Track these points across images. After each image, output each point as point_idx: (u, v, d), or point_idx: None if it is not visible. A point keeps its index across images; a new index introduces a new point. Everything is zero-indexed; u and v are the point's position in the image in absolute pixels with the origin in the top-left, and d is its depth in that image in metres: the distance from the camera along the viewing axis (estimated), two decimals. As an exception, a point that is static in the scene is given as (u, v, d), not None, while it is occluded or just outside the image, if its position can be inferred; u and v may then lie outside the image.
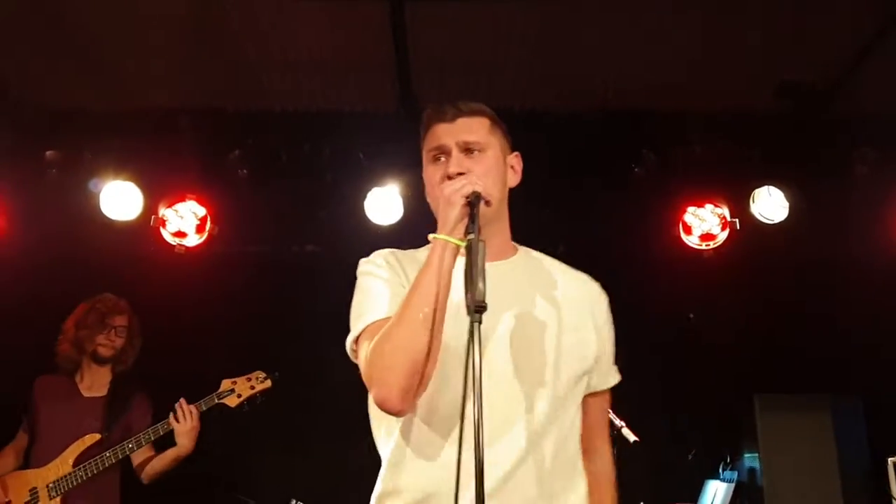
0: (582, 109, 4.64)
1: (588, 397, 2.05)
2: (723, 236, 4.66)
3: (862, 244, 4.68)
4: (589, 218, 4.78)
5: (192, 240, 4.58)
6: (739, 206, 4.66)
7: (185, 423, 3.76)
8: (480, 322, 1.60)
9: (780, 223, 4.61)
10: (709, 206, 4.68)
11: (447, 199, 1.81)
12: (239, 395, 3.91)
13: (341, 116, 4.62)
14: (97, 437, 3.84)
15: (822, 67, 4.33)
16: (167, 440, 3.85)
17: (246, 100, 4.57)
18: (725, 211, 4.67)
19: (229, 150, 4.58)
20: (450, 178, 1.93)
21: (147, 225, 4.53)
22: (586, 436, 2.04)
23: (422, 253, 2.03)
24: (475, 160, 1.98)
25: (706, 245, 4.67)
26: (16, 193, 4.56)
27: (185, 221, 4.58)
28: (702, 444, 4.99)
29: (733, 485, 4.78)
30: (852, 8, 3.86)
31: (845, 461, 4.76)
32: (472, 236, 1.71)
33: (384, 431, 1.97)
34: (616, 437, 3.36)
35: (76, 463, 3.78)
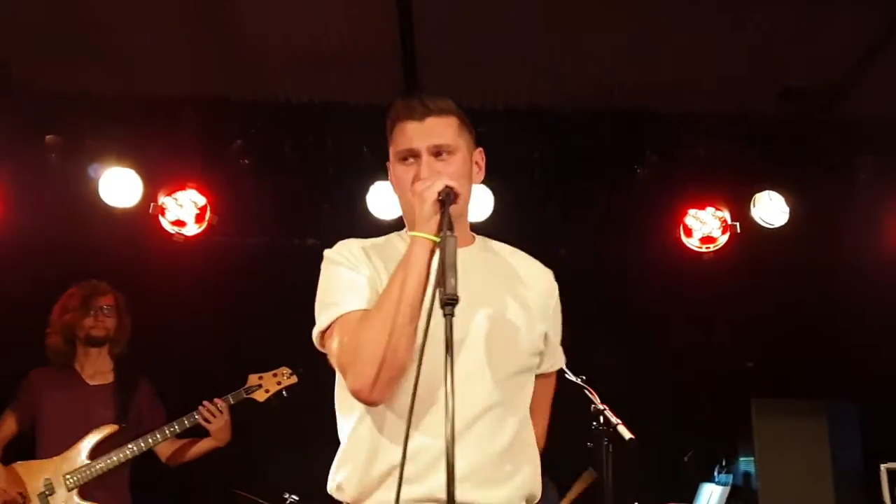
0: (585, 109, 4.64)
1: (537, 378, 2.09)
2: (723, 239, 4.66)
3: (861, 250, 4.69)
4: (590, 218, 4.78)
5: (192, 229, 4.55)
6: (740, 209, 4.67)
7: (218, 420, 3.82)
8: (453, 315, 1.64)
9: (780, 228, 4.62)
10: (710, 209, 4.69)
11: (420, 196, 1.86)
12: (266, 391, 3.96)
13: (346, 109, 4.59)
14: (114, 427, 3.81)
15: (825, 72, 4.34)
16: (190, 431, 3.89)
17: (250, 89, 4.55)
18: (726, 214, 4.67)
19: (231, 139, 4.56)
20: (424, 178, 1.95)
21: (146, 213, 4.50)
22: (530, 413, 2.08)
23: (389, 242, 2.09)
24: (445, 163, 2.00)
25: (706, 248, 4.67)
26: (15, 178, 4.53)
27: (184, 210, 4.54)
28: (697, 446, 4.99)
29: (728, 488, 4.78)
30: (855, 13, 3.87)
31: (839, 466, 4.77)
32: (446, 233, 1.75)
33: (345, 412, 2.01)
34: (612, 434, 3.36)
35: (92, 453, 3.76)
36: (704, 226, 4.70)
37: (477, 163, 2.11)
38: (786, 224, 4.61)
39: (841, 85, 4.42)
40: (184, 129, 4.53)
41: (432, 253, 1.82)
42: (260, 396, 3.95)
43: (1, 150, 4.50)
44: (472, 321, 1.95)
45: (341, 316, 1.91)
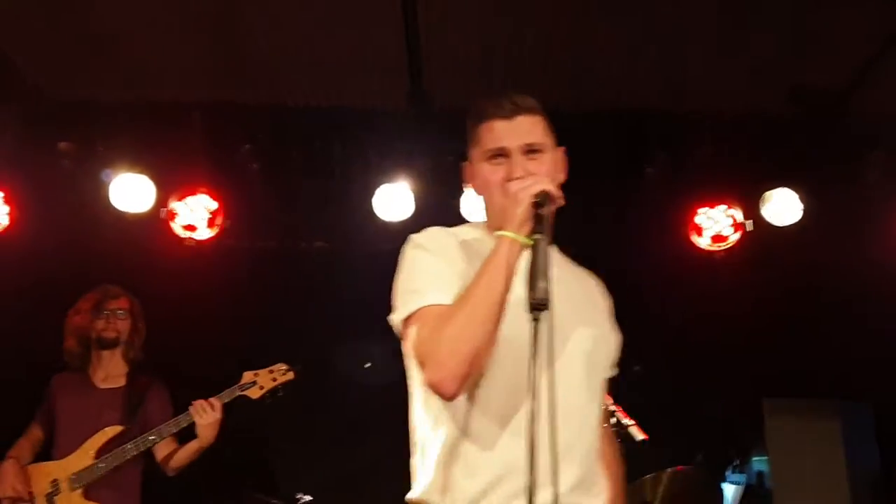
0: (594, 109, 4.62)
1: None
2: (734, 238, 4.64)
3: (873, 247, 4.64)
4: (600, 218, 4.76)
5: (203, 233, 4.59)
6: (751, 207, 4.64)
7: (207, 416, 3.75)
8: (540, 320, 1.63)
9: (792, 226, 4.59)
10: (720, 208, 4.66)
11: (514, 197, 1.82)
12: (261, 388, 3.89)
13: (352, 112, 4.62)
14: (119, 428, 3.84)
15: (836, 70, 4.31)
16: (189, 432, 3.85)
17: (258, 95, 4.58)
18: (737, 213, 4.64)
19: (241, 144, 4.59)
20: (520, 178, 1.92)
21: (157, 218, 4.54)
22: None
23: (479, 239, 2.03)
24: (537, 162, 1.98)
25: (717, 247, 4.65)
26: (28, 184, 4.58)
27: (195, 215, 4.58)
28: (710, 446, 4.97)
29: (742, 487, 4.77)
30: (865, 11, 3.84)
31: (854, 466, 4.74)
32: (538, 236, 1.74)
33: (431, 425, 1.98)
34: (624, 435, 3.36)
35: (98, 454, 3.79)
36: (715, 225, 4.67)
37: (561, 162, 2.09)
38: (797, 222, 4.58)
39: (852, 82, 4.39)
40: (194, 134, 4.56)
41: (519, 255, 1.79)
42: (254, 394, 3.87)
43: (15, 158, 4.55)
44: (573, 330, 1.95)
45: (424, 307, 1.88)
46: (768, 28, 3.98)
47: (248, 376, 3.92)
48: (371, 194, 4.53)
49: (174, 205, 4.55)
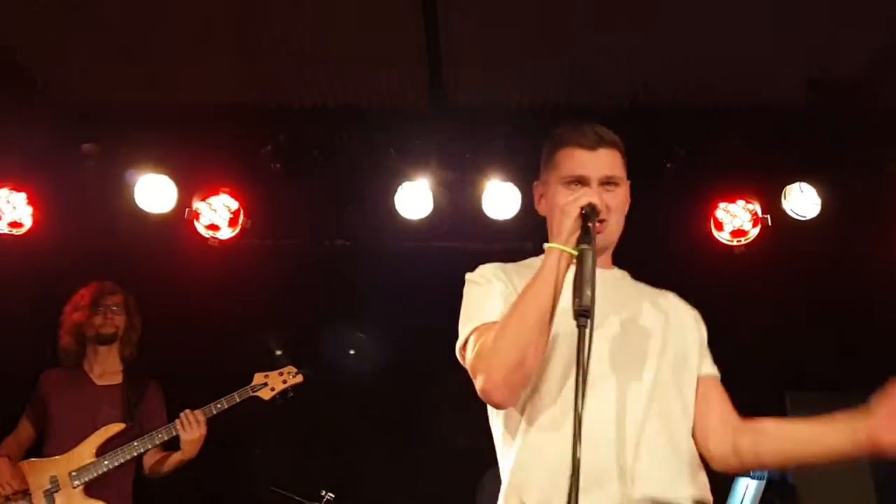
0: (613, 105, 4.62)
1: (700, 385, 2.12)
2: (754, 232, 4.62)
3: (894, 241, 4.61)
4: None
5: (225, 233, 4.63)
6: (771, 202, 4.62)
7: (192, 432, 3.79)
8: (586, 327, 1.68)
9: (813, 220, 4.56)
10: (740, 202, 4.64)
11: (562, 210, 1.89)
12: (272, 389, 3.99)
13: (372, 111, 4.64)
14: (121, 426, 3.86)
15: (855, 61, 4.28)
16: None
17: (278, 94, 4.61)
18: (757, 207, 4.63)
19: (262, 144, 4.62)
20: None
21: (181, 218, 4.58)
22: (715, 425, 2.10)
23: (530, 263, 2.13)
24: (612, 195, 2.06)
25: (737, 241, 4.63)
26: (52, 186, 4.63)
27: (218, 215, 4.62)
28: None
29: (764, 482, 4.74)
30: (886, 2, 3.81)
31: (879, 460, 4.70)
32: (584, 246, 1.79)
33: (502, 433, 2.05)
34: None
35: (99, 452, 3.81)
36: (735, 219, 4.66)
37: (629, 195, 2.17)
38: (818, 216, 4.55)
39: (872, 74, 4.36)
40: (215, 135, 4.60)
41: (568, 266, 1.85)
42: (265, 395, 3.98)
43: (39, 160, 4.60)
44: (625, 339, 2.00)
45: (477, 327, 1.98)
46: (788, 20, 3.96)
47: (258, 378, 4.01)
48: (392, 192, 4.55)
49: (197, 205, 4.60)
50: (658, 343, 2.05)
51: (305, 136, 4.66)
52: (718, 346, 5.06)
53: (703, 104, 4.56)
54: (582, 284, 1.71)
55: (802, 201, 4.56)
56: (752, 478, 4.85)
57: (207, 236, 4.61)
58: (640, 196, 4.64)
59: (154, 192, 4.53)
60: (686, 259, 4.79)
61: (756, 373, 4.98)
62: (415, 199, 4.54)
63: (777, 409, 4.89)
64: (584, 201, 1.87)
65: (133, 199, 4.51)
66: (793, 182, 4.58)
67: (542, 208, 2.18)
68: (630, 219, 4.72)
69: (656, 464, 1.92)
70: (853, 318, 4.81)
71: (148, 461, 3.96)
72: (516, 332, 1.83)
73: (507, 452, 2.01)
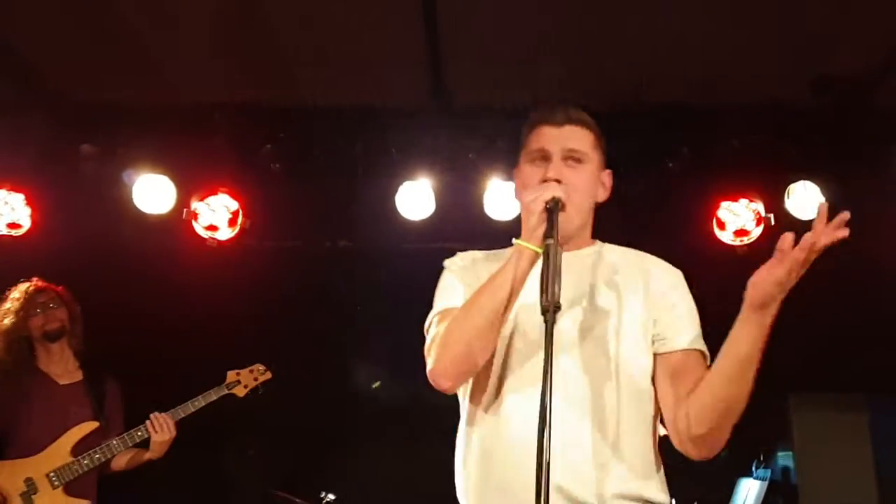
0: (615, 104, 4.59)
1: (665, 357, 2.02)
2: (757, 232, 4.59)
3: (900, 240, 4.59)
4: (621, 213, 4.72)
5: (224, 233, 4.61)
6: (774, 201, 4.59)
7: (162, 434, 3.79)
8: (553, 322, 1.67)
9: (816, 219, 4.52)
10: (743, 202, 4.62)
11: (527, 207, 1.88)
12: (245, 386, 4.04)
13: (373, 111, 4.62)
14: (94, 424, 3.83)
15: (860, 60, 4.26)
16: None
17: (278, 94, 4.59)
18: (760, 206, 4.60)
19: (261, 144, 4.60)
20: (546, 182, 1.96)
21: (179, 218, 4.56)
22: (673, 391, 1.99)
23: (503, 253, 2.11)
24: (574, 171, 2.02)
25: (740, 241, 4.61)
26: (50, 186, 4.61)
27: (217, 215, 4.60)
28: (735, 441, 4.93)
29: (766, 483, 4.73)
30: (890, 0, 3.79)
31: (881, 461, 4.70)
32: (549, 241, 1.78)
33: (465, 420, 2.06)
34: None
35: (75, 451, 3.76)
36: (738, 218, 4.63)
37: (603, 183, 2.13)
38: (821, 215, 4.52)
39: (875, 72, 4.34)
40: (215, 135, 4.58)
41: (533, 263, 1.85)
42: (240, 392, 4.02)
43: (37, 160, 4.58)
44: (585, 328, 1.97)
45: (440, 311, 2.03)
46: (792, 18, 3.93)
47: (231, 376, 4.04)
48: (393, 192, 4.53)
49: (196, 205, 4.57)
50: (614, 327, 1.98)
51: (306, 136, 4.64)
52: (720, 347, 5.04)
53: (705, 103, 4.54)
54: (547, 280, 1.71)
55: (806, 200, 4.54)
56: (756, 478, 4.84)
57: (206, 237, 4.59)
58: (642, 195, 4.69)
59: (153, 192, 4.51)
60: (688, 259, 4.68)
61: (759, 374, 4.96)
62: (416, 199, 4.52)
63: (780, 410, 4.87)
64: (546, 196, 1.85)
65: (132, 199, 4.49)
66: (796, 181, 4.55)
67: (517, 193, 2.16)
68: (632, 218, 4.76)
69: (629, 459, 1.91)
70: (856, 318, 4.78)
71: (117, 459, 3.90)
72: (467, 324, 1.87)
73: (469, 441, 2.02)
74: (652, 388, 2.01)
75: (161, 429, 3.79)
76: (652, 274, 2.13)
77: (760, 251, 4.59)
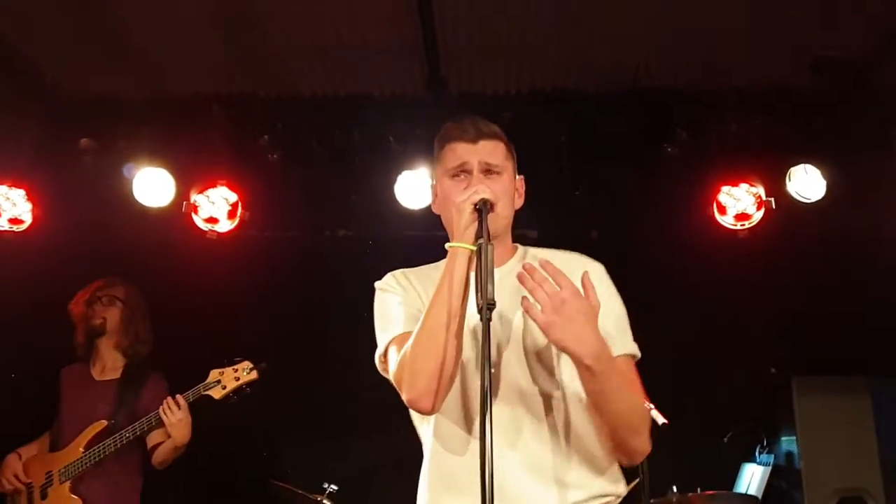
0: (612, 89, 4.58)
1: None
2: (758, 216, 4.56)
3: (901, 222, 4.57)
4: (621, 200, 4.72)
5: (224, 225, 4.59)
6: (775, 184, 4.56)
7: (173, 415, 3.74)
8: (490, 320, 1.74)
9: (817, 202, 4.51)
10: (744, 186, 4.58)
11: (457, 208, 1.98)
12: (224, 387, 3.84)
13: (370, 100, 4.62)
14: (103, 424, 3.85)
15: (860, 42, 4.23)
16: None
17: (275, 85, 4.58)
18: (761, 190, 4.57)
19: (259, 135, 4.59)
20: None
21: (179, 211, 4.55)
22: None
23: (434, 268, 2.19)
24: (493, 182, 2.11)
25: (741, 225, 4.58)
26: (49, 181, 4.61)
27: (216, 207, 4.58)
28: (737, 426, 4.93)
29: (770, 468, 4.73)
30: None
31: (885, 444, 4.69)
32: (481, 240, 1.86)
33: (422, 429, 2.17)
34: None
35: (87, 448, 3.81)
36: (739, 202, 4.60)
37: (517, 189, 2.23)
38: (823, 198, 4.50)
39: (876, 53, 4.31)
40: (212, 127, 4.57)
41: (470, 262, 1.93)
42: (216, 393, 3.82)
43: (36, 155, 4.58)
44: (510, 336, 2.04)
45: (392, 339, 2.07)
46: (790, 1, 3.90)
47: (213, 375, 3.88)
48: (392, 181, 4.51)
49: (195, 198, 4.57)
50: (524, 337, 2.07)
51: (303, 126, 4.63)
52: (722, 331, 5.05)
53: (704, 86, 4.52)
54: (481, 279, 1.77)
55: (807, 183, 4.50)
56: (759, 463, 4.83)
57: (206, 229, 4.58)
58: (641, 180, 4.68)
59: (152, 185, 4.50)
60: (689, 244, 4.75)
61: (762, 357, 4.96)
62: (415, 188, 4.51)
63: (783, 394, 4.86)
64: (476, 198, 1.95)
65: (131, 193, 4.48)
66: (797, 164, 4.52)
67: (436, 206, 2.24)
68: (632, 203, 4.74)
69: (581, 467, 2.00)
70: (859, 300, 4.77)
71: (150, 449, 3.92)
72: (431, 338, 1.89)
73: (425, 439, 2.14)
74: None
75: (171, 410, 3.75)
76: (577, 277, 2.12)
77: (762, 235, 4.60)
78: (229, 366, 3.89)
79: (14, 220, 4.60)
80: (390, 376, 2.06)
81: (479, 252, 1.84)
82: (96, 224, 4.65)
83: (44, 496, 3.81)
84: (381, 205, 4.57)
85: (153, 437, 3.88)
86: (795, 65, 4.34)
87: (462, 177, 2.13)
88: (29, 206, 4.59)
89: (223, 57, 4.33)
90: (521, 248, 2.28)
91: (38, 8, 3.94)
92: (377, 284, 2.23)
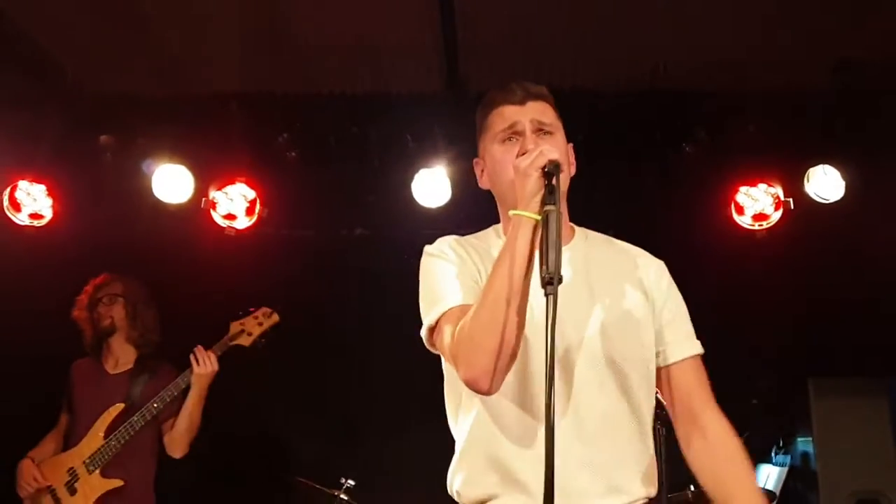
0: (632, 89, 4.57)
1: (670, 368, 2.05)
2: (776, 216, 4.56)
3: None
4: (640, 198, 4.72)
5: (242, 222, 4.63)
6: (793, 185, 4.55)
7: (204, 367, 3.80)
8: (554, 294, 1.56)
9: (836, 203, 4.49)
10: (762, 186, 4.58)
11: (523, 172, 1.77)
12: (250, 334, 3.92)
13: (389, 99, 4.62)
14: (121, 406, 3.87)
15: (879, 43, 4.20)
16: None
17: (294, 83, 4.60)
18: (779, 190, 4.56)
19: (278, 133, 4.61)
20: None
21: (198, 207, 4.59)
22: (682, 409, 2.05)
23: (484, 236, 2.09)
24: (548, 141, 1.95)
25: (759, 225, 4.58)
26: (70, 178, 4.65)
27: (235, 204, 4.62)
28: (754, 427, 4.91)
29: (786, 469, 4.71)
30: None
31: (903, 446, 4.67)
32: (549, 207, 1.67)
33: (462, 410, 2.00)
34: (664, 417, 3.33)
35: (107, 434, 3.82)
36: (757, 203, 4.59)
37: (569, 156, 2.06)
38: (841, 198, 4.48)
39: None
40: (231, 124, 4.60)
41: (535, 232, 1.73)
42: (245, 341, 3.91)
43: (56, 151, 4.61)
44: (589, 318, 1.93)
45: (446, 311, 1.89)
46: (812, 2, 3.89)
47: (235, 326, 3.95)
48: (409, 180, 4.53)
49: (214, 194, 4.60)
50: (610, 327, 1.97)
51: (322, 125, 4.65)
52: (740, 332, 5.04)
53: (723, 86, 4.50)
54: (546, 249, 1.60)
55: (826, 184, 4.49)
56: (775, 464, 4.82)
57: (224, 226, 4.62)
58: (660, 179, 4.67)
59: (171, 182, 4.53)
60: (707, 244, 4.74)
61: (779, 358, 4.94)
62: (433, 187, 4.52)
63: (801, 395, 4.84)
64: (541, 160, 1.75)
65: (150, 189, 4.52)
66: (816, 164, 4.50)
67: (483, 181, 2.09)
68: (651, 202, 4.73)
69: (634, 468, 1.93)
70: (876, 301, 4.74)
71: (165, 439, 3.94)
72: (493, 314, 1.72)
73: (464, 421, 1.99)
74: (652, 390, 2.04)
75: (203, 362, 3.80)
76: (640, 267, 2.11)
77: (780, 236, 4.59)
78: (245, 316, 3.94)
79: (35, 216, 4.65)
80: (443, 350, 1.91)
81: (544, 220, 1.64)
82: (116, 220, 4.69)
83: (72, 492, 3.80)
84: (399, 203, 4.58)
85: (165, 428, 3.93)
86: (817, 66, 4.32)
87: (514, 140, 1.96)
88: (49, 201, 4.64)
89: (243, 55, 4.34)
90: (577, 228, 2.14)
91: (60, 5, 3.97)
92: (428, 248, 2.04)
